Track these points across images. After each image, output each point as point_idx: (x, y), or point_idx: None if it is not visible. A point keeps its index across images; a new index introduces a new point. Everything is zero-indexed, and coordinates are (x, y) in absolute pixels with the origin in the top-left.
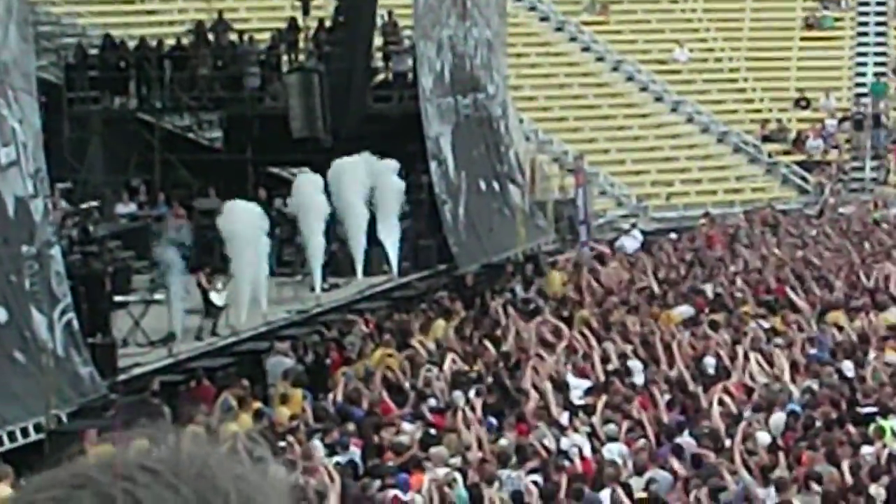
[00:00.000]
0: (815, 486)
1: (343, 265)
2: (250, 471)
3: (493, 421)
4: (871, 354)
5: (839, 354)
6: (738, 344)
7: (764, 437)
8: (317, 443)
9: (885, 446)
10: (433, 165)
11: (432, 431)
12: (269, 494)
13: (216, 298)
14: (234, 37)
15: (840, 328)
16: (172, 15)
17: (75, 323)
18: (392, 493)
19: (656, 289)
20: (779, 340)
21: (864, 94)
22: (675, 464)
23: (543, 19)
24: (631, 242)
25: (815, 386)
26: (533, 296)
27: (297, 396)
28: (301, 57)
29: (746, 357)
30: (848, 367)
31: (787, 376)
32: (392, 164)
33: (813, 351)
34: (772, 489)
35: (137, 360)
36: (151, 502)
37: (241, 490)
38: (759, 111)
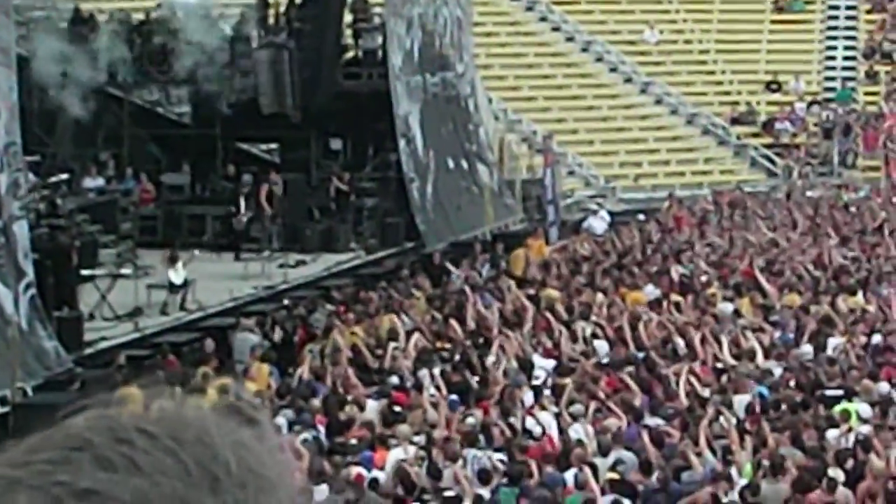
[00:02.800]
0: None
1: (312, 240)
2: (250, 437)
3: (457, 399)
4: (838, 338)
5: (805, 337)
6: (705, 326)
7: (730, 419)
8: (281, 419)
9: (850, 429)
10: (402, 143)
11: (397, 409)
12: (268, 463)
13: (174, 277)
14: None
15: (806, 310)
16: None
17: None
18: (356, 470)
19: (622, 270)
20: (745, 322)
21: (833, 78)
22: (642, 445)
23: None
24: (598, 223)
25: (781, 369)
26: (499, 275)
27: (263, 372)
28: (271, 33)
29: (716, 339)
30: (810, 350)
31: (755, 358)
32: None
33: (779, 333)
34: (734, 469)
35: (104, 334)
36: (151, 468)
37: (241, 458)
38: (728, 93)
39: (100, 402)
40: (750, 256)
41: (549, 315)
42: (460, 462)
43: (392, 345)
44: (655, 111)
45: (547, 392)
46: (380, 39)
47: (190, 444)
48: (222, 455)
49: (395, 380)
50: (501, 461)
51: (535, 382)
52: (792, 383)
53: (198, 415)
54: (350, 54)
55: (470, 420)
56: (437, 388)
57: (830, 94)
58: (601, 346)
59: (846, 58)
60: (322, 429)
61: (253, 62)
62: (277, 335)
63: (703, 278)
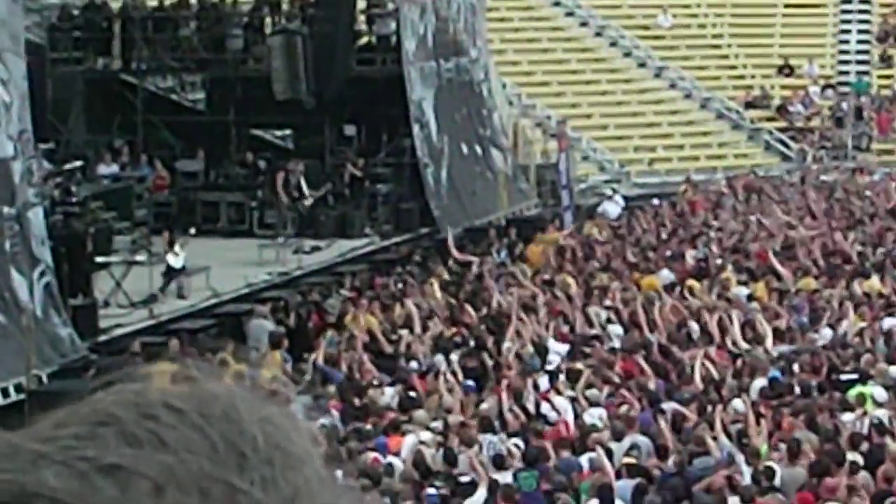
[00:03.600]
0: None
1: (326, 226)
2: (276, 413)
3: (473, 384)
4: (853, 321)
5: (820, 321)
6: (720, 310)
7: (746, 403)
8: (296, 405)
9: (865, 413)
10: (416, 129)
11: (412, 395)
12: (294, 439)
13: (172, 261)
14: None
15: (816, 292)
16: None
17: (54, 284)
18: (371, 455)
19: (637, 255)
20: (759, 306)
21: (847, 62)
22: (658, 429)
23: None
24: (613, 207)
25: (796, 352)
26: (514, 261)
27: (276, 358)
28: (284, 19)
29: (731, 322)
30: (828, 334)
31: (769, 342)
32: None
33: (794, 317)
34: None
35: (118, 321)
36: (177, 445)
37: (267, 434)
38: (742, 78)
39: (127, 378)
40: (765, 240)
41: (563, 300)
42: (476, 447)
43: (407, 330)
44: (669, 95)
45: (561, 377)
46: (393, 25)
47: (217, 420)
48: (249, 431)
49: (411, 365)
50: (517, 446)
51: (549, 367)
52: (807, 367)
53: (225, 390)
54: (364, 40)
55: (485, 405)
56: (453, 373)
57: (844, 79)
58: (616, 330)
59: (860, 41)
60: (337, 415)
61: (266, 48)
62: (292, 321)
63: (718, 262)
